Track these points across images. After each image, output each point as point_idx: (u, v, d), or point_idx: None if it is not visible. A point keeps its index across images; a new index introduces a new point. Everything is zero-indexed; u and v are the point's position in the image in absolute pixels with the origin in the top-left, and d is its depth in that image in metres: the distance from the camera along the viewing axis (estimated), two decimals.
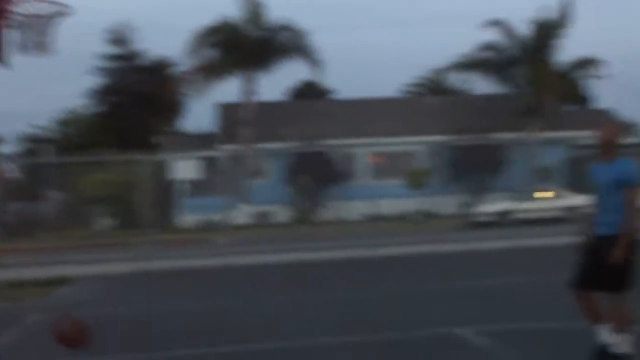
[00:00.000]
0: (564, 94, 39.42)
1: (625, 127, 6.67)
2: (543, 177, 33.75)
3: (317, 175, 31.85)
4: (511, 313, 9.21)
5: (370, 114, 37.28)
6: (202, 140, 34.77)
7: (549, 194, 29.16)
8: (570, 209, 28.76)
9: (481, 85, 38.85)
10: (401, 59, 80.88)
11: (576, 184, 32.13)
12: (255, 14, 35.29)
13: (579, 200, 29.01)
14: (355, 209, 30.11)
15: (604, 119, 39.84)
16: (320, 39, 56.52)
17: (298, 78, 47.39)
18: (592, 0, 54.68)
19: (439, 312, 9.49)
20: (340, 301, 10.82)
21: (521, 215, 25.38)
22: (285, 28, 35.49)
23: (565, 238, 19.69)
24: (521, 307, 9.69)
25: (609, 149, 6.37)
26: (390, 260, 17.05)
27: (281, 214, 32.57)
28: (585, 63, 36.23)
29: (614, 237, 6.13)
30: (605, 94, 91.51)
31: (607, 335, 6.16)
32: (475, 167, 29.84)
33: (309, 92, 48.99)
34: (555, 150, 34.92)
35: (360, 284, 12.92)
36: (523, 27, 35.86)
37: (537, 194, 29.40)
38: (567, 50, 37.63)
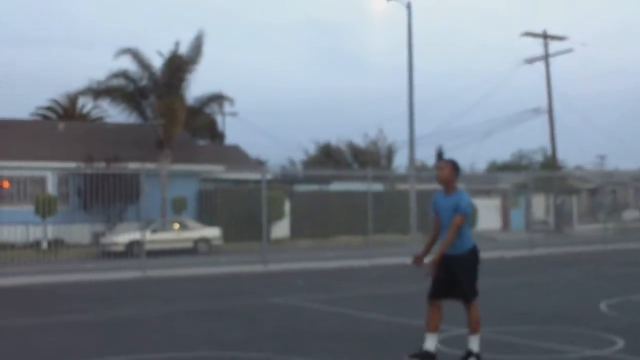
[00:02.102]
0: (196, 128, 40.77)
1: (454, 164, 7.74)
2: (175, 209, 34.50)
3: None
4: (138, 343, 9.31)
5: None
6: None
7: (177, 226, 29.90)
8: (200, 240, 29.79)
9: (113, 113, 38.60)
10: (34, 80, 77.33)
11: (206, 217, 33.39)
12: None
13: (208, 232, 30.20)
14: None
15: (234, 154, 42.02)
16: None
17: None
18: (225, 40, 57.63)
19: (62, 345, 9.28)
20: None
21: (152, 246, 25.58)
22: None
23: (195, 269, 20.52)
24: (147, 337, 9.84)
25: (448, 185, 7.57)
26: (15, 290, 16.21)
27: None
28: (214, 99, 37.53)
29: (458, 256, 7.49)
30: (234, 130, 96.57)
31: (474, 343, 7.50)
32: (105, 196, 29.45)
33: None
34: (187, 183, 35.93)
35: None
36: (156, 59, 36.28)
37: (169, 225, 29.97)
38: (200, 85, 38.92)
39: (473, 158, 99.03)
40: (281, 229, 35.29)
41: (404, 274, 19.31)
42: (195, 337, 9.65)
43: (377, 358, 8.10)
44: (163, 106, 34.58)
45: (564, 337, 9.08)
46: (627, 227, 37.24)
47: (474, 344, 7.55)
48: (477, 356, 7.52)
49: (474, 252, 7.62)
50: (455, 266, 7.50)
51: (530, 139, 79.71)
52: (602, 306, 11.65)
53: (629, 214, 43.72)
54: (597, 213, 41.78)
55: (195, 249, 29.28)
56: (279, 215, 34.68)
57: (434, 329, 7.60)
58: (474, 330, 7.56)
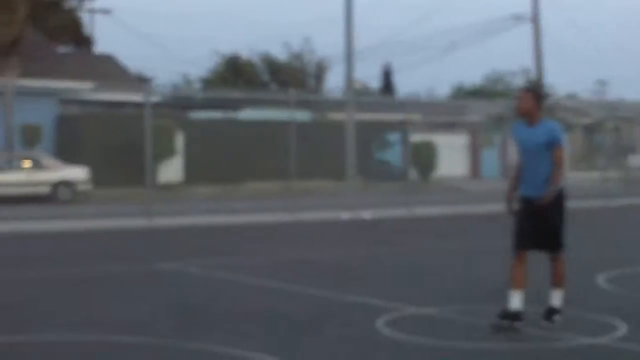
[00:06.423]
0: (53, 29, 39.79)
1: (536, 93, 8.89)
2: (25, 141, 33.88)
3: None
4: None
5: None
6: None
7: (28, 163, 29.42)
8: (61, 184, 29.36)
9: None
10: None
11: (68, 152, 32.89)
12: None
13: (71, 173, 29.80)
14: None
15: (107, 67, 41.39)
16: None
17: None
18: None
19: None
20: None
21: None
22: None
23: (54, 222, 20.27)
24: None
25: (530, 118, 8.77)
26: None
27: None
28: None
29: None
30: (108, 34, 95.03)
31: (557, 298, 8.82)
32: None
33: None
34: (41, 105, 35.24)
35: None
36: None
37: (16, 163, 29.48)
38: None
39: (432, 80, 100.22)
40: (172, 171, 35.09)
41: (337, 234, 19.46)
42: (55, 316, 9.59)
43: (302, 344, 8.19)
44: None
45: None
46: (632, 176, 38.12)
47: (557, 299, 8.85)
48: (560, 312, 8.81)
49: (562, 195, 8.79)
50: (540, 210, 8.65)
51: (508, 57, 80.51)
52: (600, 280, 11.93)
53: (635, 160, 44.62)
54: (594, 157, 42.66)
55: (54, 196, 28.92)
56: (169, 152, 34.45)
57: (520, 285, 8.67)
58: (558, 284, 8.87)
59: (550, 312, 8.82)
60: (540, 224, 8.74)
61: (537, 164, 8.77)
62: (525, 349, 8.07)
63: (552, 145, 8.69)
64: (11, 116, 33.03)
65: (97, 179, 30.57)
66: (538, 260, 9.16)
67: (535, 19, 44.67)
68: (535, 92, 9.09)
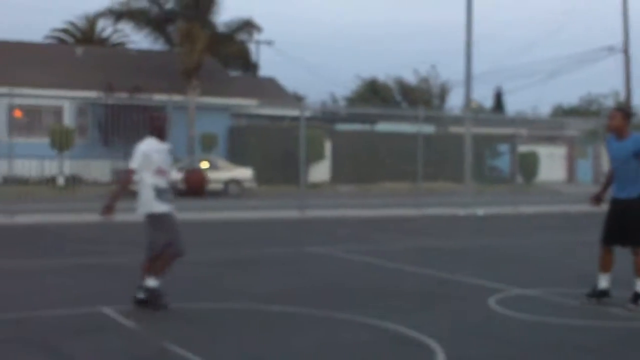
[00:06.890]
0: (227, 56, 40.71)
1: (629, 110, 9.45)
2: (204, 146, 34.70)
3: None
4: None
5: (9, 60, 35.44)
6: None
7: (206, 164, 30.10)
8: (231, 181, 30.00)
9: (136, 38, 38.68)
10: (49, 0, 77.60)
11: (237, 156, 33.59)
12: None
13: (240, 173, 30.42)
14: None
15: (269, 88, 42.02)
16: None
17: None
18: None
19: (76, 290, 9.49)
20: None
21: (179, 186, 25.73)
22: None
23: (225, 213, 20.67)
24: (176, 286, 9.97)
25: (620, 133, 8.80)
26: (29, 229, 16.55)
27: None
28: (243, 26, 37.38)
29: (630, 200, 8.72)
30: (270, 62, 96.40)
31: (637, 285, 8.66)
32: (127, 130, 29.69)
33: None
34: (216, 118, 36.04)
35: None
36: None
37: (197, 164, 30.16)
38: (234, 10, 37.94)
39: (536, 100, 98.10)
40: (320, 172, 35.40)
41: (456, 226, 19.35)
42: (225, 288, 9.80)
43: (429, 317, 8.18)
44: (182, 31, 34.54)
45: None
46: None
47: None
48: None
49: None
50: (626, 211, 8.76)
51: (601, 82, 78.25)
52: None
53: None
54: None
55: (226, 191, 29.52)
56: (318, 157, 34.75)
57: (607, 269, 8.91)
58: None
59: (636, 297, 8.69)
60: (625, 223, 8.78)
61: (625, 171, 8.77)
62: (610, 326, 7.93)
63: (638, 154, 8.69)
64: (193, 127, 33.88)
65: (260, 178, 31.12)
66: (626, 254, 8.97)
67: (625, 50, 43.29)
68: (624, 111, 9.21)
